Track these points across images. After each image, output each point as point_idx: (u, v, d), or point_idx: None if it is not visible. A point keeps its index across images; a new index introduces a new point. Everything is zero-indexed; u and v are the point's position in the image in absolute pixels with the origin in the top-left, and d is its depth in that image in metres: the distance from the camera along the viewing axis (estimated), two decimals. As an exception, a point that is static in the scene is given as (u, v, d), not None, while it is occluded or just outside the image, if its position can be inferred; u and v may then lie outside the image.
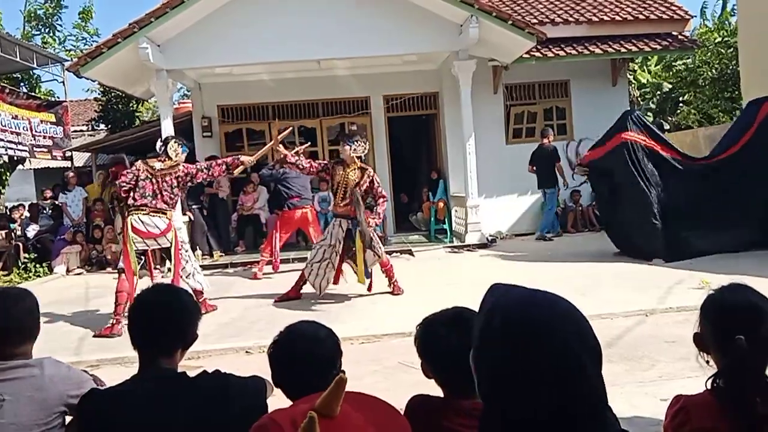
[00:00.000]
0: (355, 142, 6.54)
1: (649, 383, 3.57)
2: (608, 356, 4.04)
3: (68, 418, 1.92)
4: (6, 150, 10.19)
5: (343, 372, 1.08)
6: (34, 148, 10.75)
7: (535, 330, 1.17)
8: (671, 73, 18.65)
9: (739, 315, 1.52)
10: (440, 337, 1.62)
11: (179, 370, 1.82)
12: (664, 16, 11.13)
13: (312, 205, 9.02)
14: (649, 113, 17.96)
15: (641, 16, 11.09)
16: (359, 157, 6.64)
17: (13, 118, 10.23)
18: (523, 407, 1.16)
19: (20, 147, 10.21)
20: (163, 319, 1.81)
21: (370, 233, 6.38)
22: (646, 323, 4.90)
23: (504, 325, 1.21)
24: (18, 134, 10.38)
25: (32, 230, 11.40)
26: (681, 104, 18.75)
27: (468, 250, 9.77)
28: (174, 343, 1.82)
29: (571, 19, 11.02)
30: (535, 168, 10.54)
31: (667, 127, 18.17)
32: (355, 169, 6.53)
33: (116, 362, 4.83)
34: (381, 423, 1.27)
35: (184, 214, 10.14)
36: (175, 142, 6.30)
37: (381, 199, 6.63)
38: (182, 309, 1.87)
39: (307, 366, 1.60)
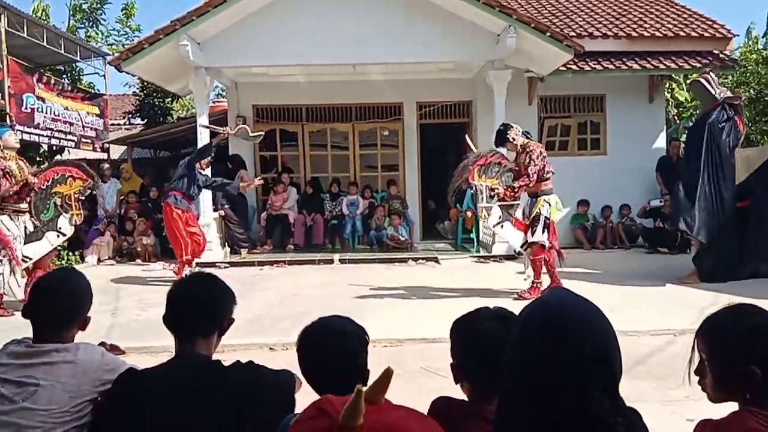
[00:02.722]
0: (509, 132, 6.73)
1: (676, 402, 3.50)
2: (636, 374, 4.01)
3: None
4: (59, 140, 10.50)
5: (389, 368, 1.09)
6: (82, 139, 11.04)
7: (565, 334, 1.18)
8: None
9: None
10: (484, 330, 1.63)
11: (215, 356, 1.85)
12: (706, 34, 10.96)
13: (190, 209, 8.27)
14: (686, 132, 17.68)
15: (682, 33, 10.94)
16: (524, 136, 6.79)
17: (64, 109, 10.52)
18: (551, 409, 1.17)
19: (69, 137, 10.51)
20: (199, 305, 1.85)
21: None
22: (676, 343, 4.82)
23: (540, 327, 1.22)
24: (71, 125, 10.69)
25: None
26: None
27: (495, 261, 9.71)
28: (209, 328, 1.86)
29: (610, 33, 10.92)
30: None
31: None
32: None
33: (143, 351, 4.90)
34: (420, 419, 1.28)
35: (215, 210, 10.27)
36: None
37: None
38: (217, 295, 1.90)
39: (332, 357, 1.63)
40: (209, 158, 8.42)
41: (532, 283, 6.58)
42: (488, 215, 6.86)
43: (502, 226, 6.84)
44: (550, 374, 1.17)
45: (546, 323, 1.22)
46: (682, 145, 13.99)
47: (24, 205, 6.54)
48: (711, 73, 7.83)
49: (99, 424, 1.85)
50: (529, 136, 6.92)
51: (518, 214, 6.81)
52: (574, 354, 1.15)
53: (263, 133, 9.50)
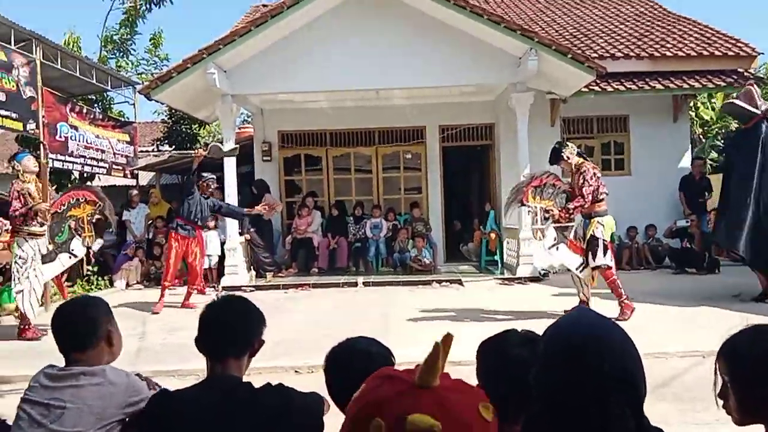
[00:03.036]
0: (564, 150, 6.78)
1: (703, 425, 3.46)
2: (662, 395, 3.96)
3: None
4: (91, 168, 10.77)
5: (449, 333, 1.06)
6: (113, 166, 11.32)
7: (584, 352, 1.20)
8: (737, 110, 18.11)
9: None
10: (513, 354, 1.62)
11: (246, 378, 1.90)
12: (730, 53, 10.90)
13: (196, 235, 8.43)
14: (713, 151, 17.47)
15: (705, 53, 10.89)
16: (580, 156, 6.81)
17: (96, 137, 10.81)
18: (574, 429, 1.19)
19: (101, 164, 10.78)
20: (230, 326, 1.91)
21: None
22: (704, 365, 4.75)
23: (560, 346, 1.24)
24: (103, 152, 10.97)
25: (98, 244, 11.90)
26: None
27: (519, 283, 9.66)
28: (241, 349, 1.91)
29: (632, 53, 10.92)
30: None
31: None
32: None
33: (171, 374, 4.97)
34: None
35: (241, 234, 10.42)
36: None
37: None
38: (248, 317, 1.95)
39: (358, 378, 1.65)
40: (207, 182, 8.57)
41: (619, 303, 6.50)
42: (543, 237, 6.80)
43: (557, 248, 6.79)
44: (572, 394, 1.18)
45: (566, 343, 1.23)
46: (710, 163, 13.83)
47: (39, 229, 6.70)
48: (755, 86, 7.73)
49: None
50: (583, 155, 6.91)
51: (572, 235, 6.79)
52: (594, 373, 1.17)
53: (237, 146, 9.67)
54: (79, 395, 1.91)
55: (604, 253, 6.41)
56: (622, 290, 6.52)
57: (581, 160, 6.73)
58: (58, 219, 6.89)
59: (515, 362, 1.59)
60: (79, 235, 6.98)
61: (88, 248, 7.43)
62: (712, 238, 8.54)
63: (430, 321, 6.85)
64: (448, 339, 1.00)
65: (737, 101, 7.55)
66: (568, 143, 6.91)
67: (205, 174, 8.60)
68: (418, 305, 7.98)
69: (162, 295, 8.33)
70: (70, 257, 7.00)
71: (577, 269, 6.77)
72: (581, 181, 6.50)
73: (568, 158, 6.72)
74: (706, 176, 11.47)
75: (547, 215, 6.67)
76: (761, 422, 1.43)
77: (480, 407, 0.94)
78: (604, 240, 6.42)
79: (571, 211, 6.58)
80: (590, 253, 6.49)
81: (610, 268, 6.47)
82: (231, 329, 1.91)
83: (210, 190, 8.60)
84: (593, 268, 6.53)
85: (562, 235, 6.73)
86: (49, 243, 6.82)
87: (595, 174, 6.52)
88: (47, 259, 6.78)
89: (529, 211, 6.90)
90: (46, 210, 6.66)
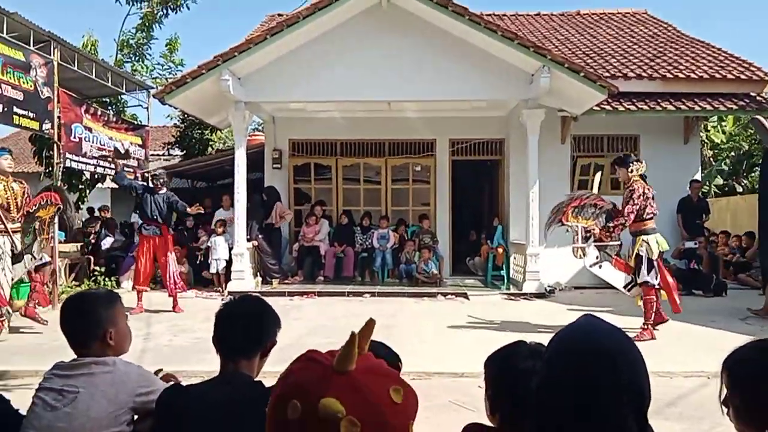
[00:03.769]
0: (633, 163, 6.80)
1: (708, 445, 3.45)
2: (667, 415, 3.96)
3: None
4: (104, 169, 10.85)
5: (371, 319, 1.07)
6: (125, 168, 11.38)
7: (595, 360, 1.21)
8: (748, 134, 18.12)
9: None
10: (521, 367, 1.64)
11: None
12: (742, 77, 10.91)
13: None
14: (719, 175, 17.46)
15: (717, 75, 10.90)
16: (642, 176, 6.81)
17: (109, 139, 10.91)
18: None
19: (113, 166, 10.88)
20: (243, 326, 1.93)
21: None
22: (710, 386, 4.74)
23: (570, 352, 1.25)
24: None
25: (107, 242, 12.02)
26: (756, 167, 18.17)
27: (525, 299, 9.65)
28: (252, 349, 1.93)
29: (644, 74, 10.94)
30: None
31: (740, 189, 17.59)
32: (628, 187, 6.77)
33: (176, 374, 4.99)
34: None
35: (249, 241, 10.46)
36: None
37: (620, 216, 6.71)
38: (261, 316, 1.98)
39: None
40: (156, 178, 8.76)
41: (644, 324, 6.52)
42: (584, 255, 6.89)
43: (600, 266, 6.89)
44: (579, 399, 1.19)
45: (576, 349, 1.23)
46: (714, 189, 13.80)
47: (9, 225, 6.64)
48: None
49: None
50: (645, 178, 6.90)
51: (616, 252, 6.91)
52: (605, 379, 1.17)
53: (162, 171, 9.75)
54: (91, 382, 1.96)
55: (648, 271, 6.49)
56: (652, 314, 6.57)
57: (639, 180, 6.78)
58: (30, 220, 6.87)
59: (523, 376, 1.60)
60: (39, 237, 6.96)
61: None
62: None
63: (435, 333, 6.84)
64: (369, 325, 1.04)
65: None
66: (642, 161, 6.95)
67: (155, 171, 8.76)
68: (423, 317, 7.98)
69: (139, 299, 8.44)
70: (32, 259, 6.92)
71: (625, 288, 6.88)
72: (627, 199, 6.62)
73: (632, 171, 6.78)
74: (704, 198, 11.44)
75: (587, 234, 6.78)
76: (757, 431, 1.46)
77: (391, 390, 0.98)
78: (650, 258, 6.50)
79: (611, 230, 6.70)
80: (636, 270, 6.60)
81: (652, 287, 6.54)
82: (243, 328, 1.94)
83: (159, 183, 8.73)
84: (640, 284, 6.62)
85: (606, 254, 6.83)
86: (21, 243, 6.76)
87: (644, 194, 6.60)
88: (16, 260, 6.71)
89: (567, 231, 6.95)
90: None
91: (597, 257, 6.84)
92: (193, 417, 1.76)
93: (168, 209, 8.65)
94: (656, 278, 6.54)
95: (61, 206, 7.33)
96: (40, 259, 7.13)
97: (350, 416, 0.92)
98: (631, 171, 6.78)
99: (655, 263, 6.55)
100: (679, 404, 4.29)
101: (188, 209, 8.72)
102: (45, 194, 7.17)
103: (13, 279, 6.79)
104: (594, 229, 6.71)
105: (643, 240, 6.58)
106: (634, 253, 6.63)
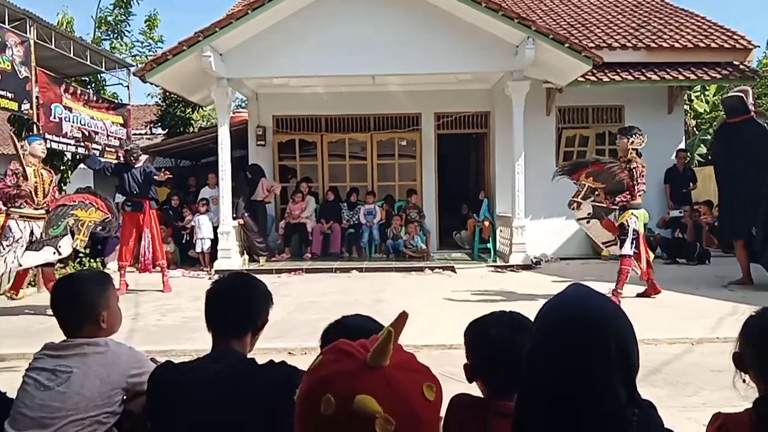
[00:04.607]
0: (635, 135, 6.96)
1: (692, 409, 3.52)
2: (652, 381, 4.02)
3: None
4: (85, 149, 10.68)
5: (404, 312, 1.07)
6: (106, 148, 11.24)
7: (586, 326, 1.21)
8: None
9: None
10: (497, 333, 1.68)
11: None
12: (726, 45, 10.92)
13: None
14: (702, 144, 17.57)
15: (701, 45, 10.91)
16: (635, 150, 6.97)
17: (90, 118, 10.73)
18: (568, 401, 1.21)
19: (95, 146, 10.70)
20: (234, 303, 1.93)
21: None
22: (694, 352, 4.83)
23: (561, 318, 1.25)
24: (96, 134, 10.88)
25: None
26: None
27: (511, 271, 9.73)
28: (243, 326, 1.92)
29: (628, 44, 10.93)
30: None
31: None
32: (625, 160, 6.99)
33: (163, 355, 4.96)
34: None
35: (235, 219, 10.42)
36: None
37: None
38: (252, 294, 1.97)
39: None
40: (131, 153, 8.55)
41: (613, 290, 6.73)
42: (577, 208, 7.17)
43: (588, 221, 7.19)
44: (567, 363, 1.18)
45: (564, 315, 1.23)
46: (697, 158, 13.88)
47: (32, 212, 6.65)
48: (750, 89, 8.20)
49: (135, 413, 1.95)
50: (641, 155, 7.09)
51: (611, 216, 7.16)
52: (593, 344, 1.17)
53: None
54: (84, 362, 1.98)
55: (631, 244, 6.79)
56: (624, 284, 6.87)
57: (636, 156, 6.97)
58: (61, 212, 6.78)
59: (499, 343, 1.64)
60: (73, 235, 6.89)
61: (74, 250, 7.37)
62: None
63: (423, 307, 6.88)
64: (401, 318, 1.03)
65: (748, 91, 7.88)
66: (644, 135, 7.09)
67: (128, 146, 8.71)
68: (411, 291, 8.03)
69: (122, 275, 8.32)
70: (54, 253, 6.78)
71: (603, 243, 7.32)
72: (630, 174, 6.83)
73: (632, 143, 6.97)
74: (690, 167, 11.53)
75: (592, 195, 7.05)
76: None
77: (424, 387, 0.98)
78: (635, 230, 6.80)
79: (616, 202, 6.94)
80: (619, 241, 6.90)
81: (630, 257, 6.83)
82: (234, 305, 1.93)
83: (132, 158, 8.47)
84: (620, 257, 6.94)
85: (600, 213, 7.09)
86: (43, 232, 6.71)
87: (642, 173, 6.87)
88: (34, 247, 6.63)
89: (575, 184, 7.21)
90: (27, 194, 6.56)
91: (589, 214, 7.12)
92: (185, 393, 1.76)
93: (145, 181, 8.43)
94: (633, 248, 6.85)
95: (109, 217, 7.21)
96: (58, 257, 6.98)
97: (386, 414, 0.91)
98: (631, 142, 6.94)
99: (639, 235, 6.87)
100: (663, 370, 4.36)
101: (155, 176, 8.48)
102: (89, 197, 7.12)
103: (21, 266, 6.71)
104: (600, 193, 6.99)
105: (631, 213, 6.84)
106: (619, 222, 6.91)
